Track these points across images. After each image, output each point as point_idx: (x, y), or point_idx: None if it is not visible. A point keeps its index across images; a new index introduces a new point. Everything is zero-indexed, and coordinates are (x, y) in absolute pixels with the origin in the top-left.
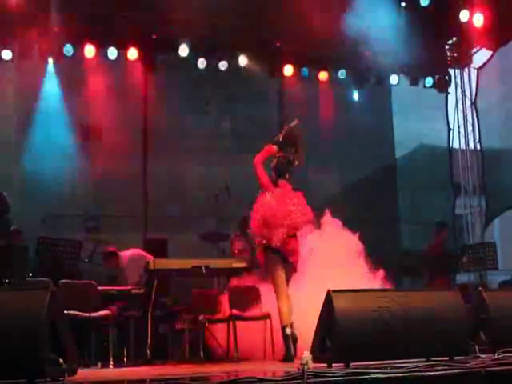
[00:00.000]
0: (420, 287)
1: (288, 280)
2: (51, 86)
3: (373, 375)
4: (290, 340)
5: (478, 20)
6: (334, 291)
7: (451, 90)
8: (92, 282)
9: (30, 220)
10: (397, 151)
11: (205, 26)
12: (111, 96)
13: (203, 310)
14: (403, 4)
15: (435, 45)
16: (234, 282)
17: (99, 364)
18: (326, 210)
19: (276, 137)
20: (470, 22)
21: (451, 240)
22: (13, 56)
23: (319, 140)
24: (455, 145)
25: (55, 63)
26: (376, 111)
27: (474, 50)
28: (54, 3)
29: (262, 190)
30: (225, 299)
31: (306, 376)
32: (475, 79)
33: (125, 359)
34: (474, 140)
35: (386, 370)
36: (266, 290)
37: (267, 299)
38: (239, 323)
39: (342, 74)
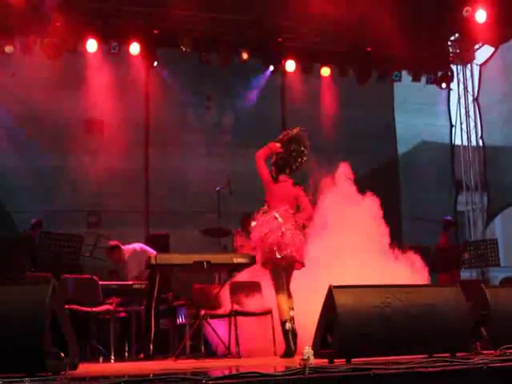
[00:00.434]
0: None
1: (290, 275)
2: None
3: (374, 371)
4: (290, 335)
5: (481, 16)
6: (335, 287)
7: (453, 86)
8: (93, 276)
9: (32, 215)
10: (399, 147)
11: (206, 20)
12: (113, 90)
13: (204, 305)
14: None
15: (438, 41)
16: (236, 277)
17: (100, 358)
18: (342, 163)
19: (278, 137)
20: (472, 18)
21: (453, 236)
22: (14, 50)
23: (321, 135)
24: (457, 141)
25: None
26: (378, 107)
27: (477, 46)
28: None
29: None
30: (226, 294)
31: (307, 371)
32: (477, 75)
33: (126, 354)
34: (476, 136)
35: (388, 366)
36: (267, 286)
37: (269, 295)
38: (240, 318)
39: (344, 69)
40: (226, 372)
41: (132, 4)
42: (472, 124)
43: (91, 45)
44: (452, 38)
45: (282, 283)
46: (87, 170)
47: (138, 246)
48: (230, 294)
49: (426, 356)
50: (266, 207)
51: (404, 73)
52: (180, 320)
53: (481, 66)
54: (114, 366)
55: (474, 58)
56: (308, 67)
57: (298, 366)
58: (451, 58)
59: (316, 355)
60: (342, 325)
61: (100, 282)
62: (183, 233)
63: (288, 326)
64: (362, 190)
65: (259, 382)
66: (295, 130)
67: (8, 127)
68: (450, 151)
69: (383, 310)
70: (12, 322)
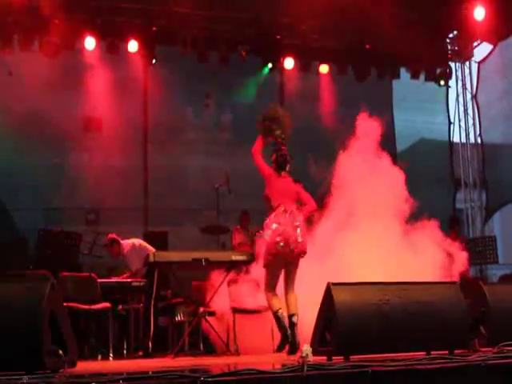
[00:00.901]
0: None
1: (294, 272)
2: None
3: (372, 368)
4: (281, 322)
5: (479, 13)
6: (334, 284)
7: (452, 83)
8: (92, 274)
9: (31, 213)
10: (397, 145)
11: (205, 18)
12: (111, 88)
13: (203, 302)
14: None
15: (436, 38)
16: (234, 275)
17: (99, 356)
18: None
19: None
20: (471, 15)
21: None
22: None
23: (319, 133)
24: (456, 139)
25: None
26: (377, 105)
27: (475, 43)
28: None
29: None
30: (225, 292)
31: (305, 369)
32: (476, 73)
33: (124, 351)
34: (475, 134)
35: (386, 364)
36: None
37: None
38: (239, 316)
39: (343, 67)
40: (225, 369)
41: (130, 1)
42: (470, 121)
43: (89, 42)
44: (450, 36)
45: (274, 283)
46: (86, 167)
47: (136, 241)
48: (228, 292)
49: (424, 353)
50: (276, 204)
51: (403, 70)
52: (178, 318)
53: (479, 63)
54: (112, 364)
55: (472, 56)
56: (306, 65)
57: (297, 364)
58: (450, 56)
59: (314, 353)
60: (340, 322)
61: (99, 280)
62: (182, 230)
63: (280, 312)
64: None
65: (258, 379)
66: (275, 110)
67: (7, 126)
68: (449, 149)
69: (381, 307)
70: (11, 320)
